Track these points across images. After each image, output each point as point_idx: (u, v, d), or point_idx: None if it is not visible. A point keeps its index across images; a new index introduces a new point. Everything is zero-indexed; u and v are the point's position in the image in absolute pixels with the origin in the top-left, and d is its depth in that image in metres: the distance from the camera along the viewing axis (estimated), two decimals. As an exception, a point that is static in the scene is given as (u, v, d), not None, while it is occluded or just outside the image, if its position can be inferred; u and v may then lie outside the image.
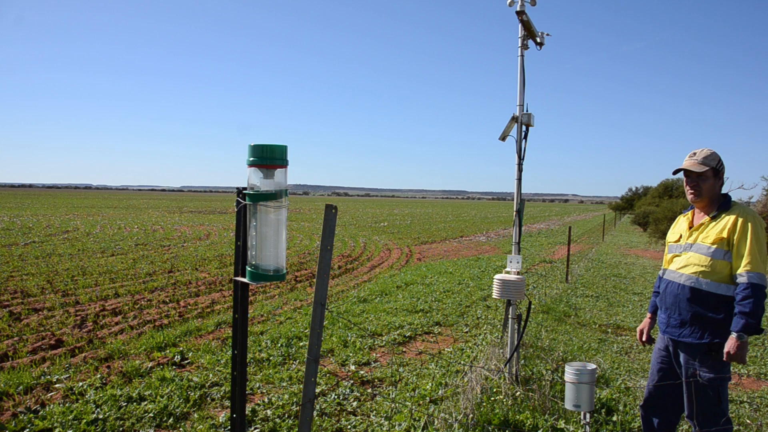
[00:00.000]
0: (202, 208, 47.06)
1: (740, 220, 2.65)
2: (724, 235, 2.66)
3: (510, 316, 4.32)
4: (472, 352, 5.41)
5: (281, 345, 5.47)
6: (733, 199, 2.84)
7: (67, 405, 3.80)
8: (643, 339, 3.13)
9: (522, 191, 4.38)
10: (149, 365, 4.78)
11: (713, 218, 2.76)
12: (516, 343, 4.22)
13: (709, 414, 2.65)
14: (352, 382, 4.52)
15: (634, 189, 49.28)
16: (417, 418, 3.67)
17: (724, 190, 2.84)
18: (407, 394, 4.20)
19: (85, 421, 3.55)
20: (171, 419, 3.69)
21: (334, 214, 2.00)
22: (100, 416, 3.64)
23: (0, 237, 15.86)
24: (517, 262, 4.24)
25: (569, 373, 3.16)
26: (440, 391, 4.19)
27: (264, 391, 4.27)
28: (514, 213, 4.34)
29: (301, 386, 3.19)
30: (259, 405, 3.92)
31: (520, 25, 4.32)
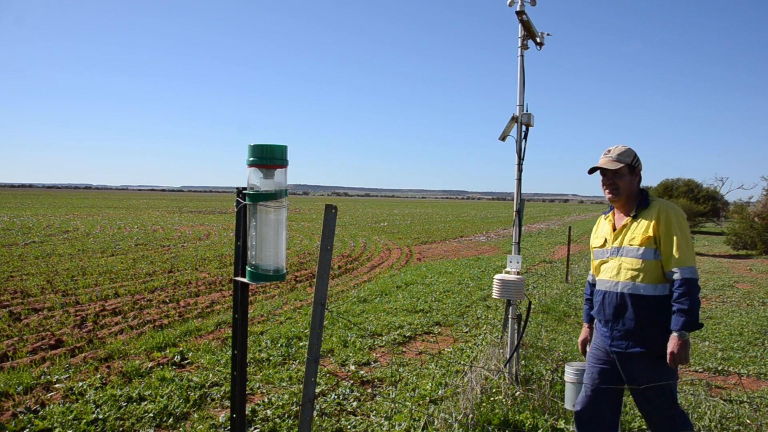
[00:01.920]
0: (202, 208, 47.07)
1: (662, 215, 2.58)
2: (650, 233, 2.58)
3: (510, 316, 4.32)
4: (472, 352, 5.41)
5: (281, 345, 5.47)
6: (650, 195, 2.76)
7: (67, 405, 3.80)
8: (587, 350, 2.98)
9: (522, 191, 4.38)
10: (149, 365, 4.78)
11: (634, 218, 2.68)
12: (516, 343, 4.22)
13: (669, 416, 2.58)
14: (352, 382, 4.52)
15: (634, 189, 49.10)
16: (417, 418, 3.67)
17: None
18: (407, 394, 4.20)
19: (85, 421, 3.55)
20: (171, 419, 3.69)
21: (334, 214, 2.00)
22: (100, 416, 3.64)
23: (0, 237, 15.86)
24: (517, 262, 4.24)
25: (569, 373, 3.17)
26: (440, 391, 4.19)
27: (264, 391, 4.27)
28: (514, 213, 4.34)
29: (301, 386, 3.19)
30: (259, 405, 3.92)
31: (520, 25, 4.32)
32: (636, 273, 2.60)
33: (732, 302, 8.99)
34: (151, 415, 3.72)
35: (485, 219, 40.17)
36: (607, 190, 2.75)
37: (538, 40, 4.53)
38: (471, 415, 3.56)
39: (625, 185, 2.70)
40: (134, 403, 3.90)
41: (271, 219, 1.91)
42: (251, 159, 1.88)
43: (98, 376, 4.47)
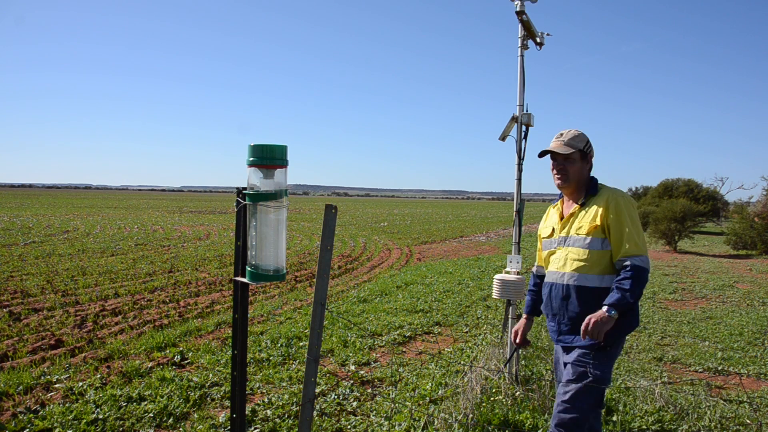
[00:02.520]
0: (202, 208, 47.06)
1: (611, 203, 2.47)
2: (598, 222, 2.46)
3: (510, 316, 4.32)
4: (472, 352, 5.41)
5: (281, 345, 5.47)
6: (600, 182, 2.65)
7: (67, 405, 3.80)
8: (517, 341, 2.88)
9: (522, 191, 4.38)
10: (149, 365, 4.78)
11: (582, 206, 2.56)
12: (516, 343, 4.22)
13: (585, 416, 2.39)
14: (352, 382, 4.52)
15: (634, 189, 49.30)
16: (417, 418, 3.67)
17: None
18: (407, 394, 4.20)
19: (85, 421, 3.55)
20: (171, 419, 3.69)
21: (334, 214, 2.00)
22: (100, 416, 3.64)
23: (0, 237, 15.86)
24: (517, 262, 4.24)
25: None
26: (440, 391, 4.19)
27: (264, 391, 4.27)
28: (514, 213, 4.34)
29: (301, 386, 3.19)
30: (259, 405, 3.92)
31: (520, 25, 4.32)
32: (582, 263, 2.48)
33: (732, 302, 8.99)
34: (151, 415, 3.72)
35: (485, 219, 40.17)
36: (556, 176, 2.63)
37: (538, 40, 4.53)
38: (471, 415, 3.56)
39: (575, 171, 2.58)
40: (134, 403, 3.90)
41: (271, 219, 1.91)
42: (251, 159, 1.88)
43: (98, 376, 4.47)
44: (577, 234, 2.52)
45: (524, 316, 2.90)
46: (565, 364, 2.54)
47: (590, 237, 2.47)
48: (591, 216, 2.50)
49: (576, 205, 2.59)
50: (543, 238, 2.77)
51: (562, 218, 2.65)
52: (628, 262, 2.37)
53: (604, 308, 2.33)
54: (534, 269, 2.91)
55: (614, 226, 2.43)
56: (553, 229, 2.68)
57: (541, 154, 2.66)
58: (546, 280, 2.70)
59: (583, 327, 2.33)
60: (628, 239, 2.40)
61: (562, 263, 2.56)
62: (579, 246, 2.50)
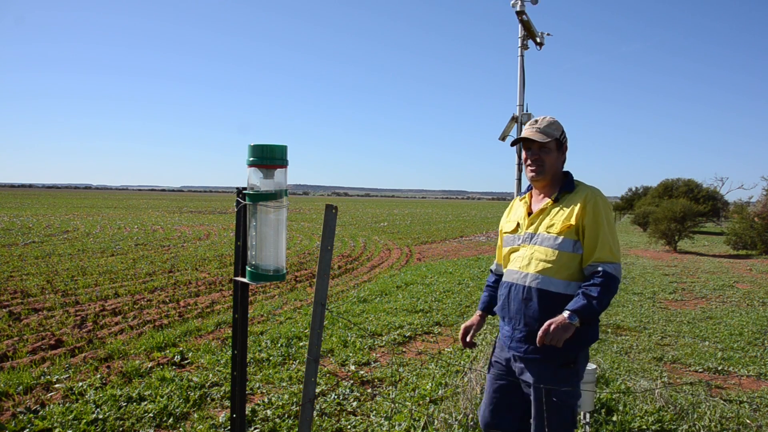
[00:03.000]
0: (202, 208, 47.06)
1: (590, 203, 2.22)
2: (573, 221, 2.21)
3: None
4: (472, 352, 5.41)
5: (281, 345, 5.47)
6: (575, 177, 2.41)
7: (66, 405, 3.80)
8: (467, 339, 2.53)
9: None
10: (149, 365, 4.78)
11: (556, 202, 2.30)
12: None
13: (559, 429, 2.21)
14: (352, 382, 4.52)
15: (633, 189, 49.29)
16: (417, 418, 3.67)
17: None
18: (407, 394, 4.20)
19: (84, 421, 3.55)
20: (171, 419, 3.69)
21: (335, 215, 2.00)
22: (100, 416, 3.64)
23: (0, 237, 15.86)
24: (517, 262, 4.24)
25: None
26: (440, 391, 4.19)
27: (264, 391, 4.27)
28: (514, 213, 4.34)
29: (301, 386, 3.19)
30: (259, 405, 3.92)
31: (520, 25, 4.32)
32: (549, 265, 2.22)
33: (732, 302, 8.99)
34: (151, 415, 3.72)
35: (485, 219, 40.16)
36: (530, 167, 2.36)
37: (538, 40, 4.54)
38: (471, 415, 3.56)
39: (551, 162, 2.32)
40: (134, 403, 3.90)
41: (271, 219, 1.91)
42: (251, 159, 1.88)
43: (98, 376, 4.47)
44: (548, 232, 2.25)
45: (478, 312, 2.59)
46: (528, 385, 2.28)
47: (562, 237, 2.21)
48: (566, 214, 2.24)
49: (548, 200, 2.33)
50: (505, 233, 2.49)
51: (530, 213, 2.38)
52: (600, 268, 2.15)
53: (566, 314, 2.09)
54: (493, 267, 2.66)
55: (590, 228, 2.20)
56: (518, 225, 2.41)
57: (515, 142, 2.46)
58: (504, 279, 2.40)
59: (541, 332, 2.09)
60: (603, 244, 2.17)
61: (526, 263, 2.28)
62: (548, 245, 2.24)
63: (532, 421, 2.25)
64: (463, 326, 2.55)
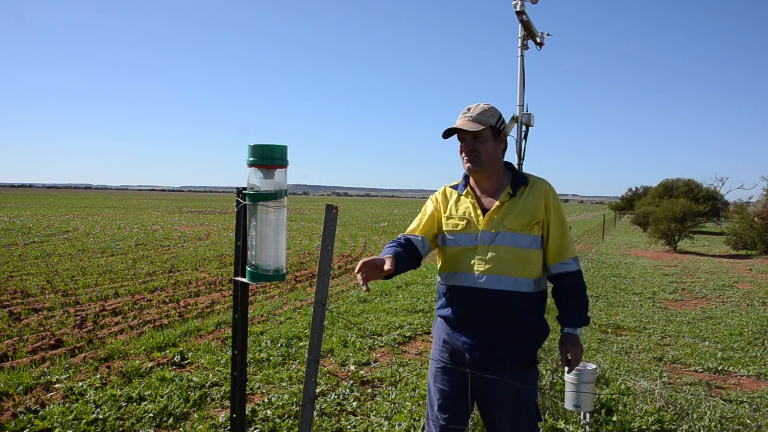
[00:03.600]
0: (202, 208, 47.05)
1: (551, 198, 2.14)
2: (539, 217, 2.10)
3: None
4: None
5: (281, 345, 5.47)
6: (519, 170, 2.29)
7: (66, 405, 3.80)
8: (366, 275, 1.94)
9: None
10: (149, 365, 4.78)
11: (513, 197, 2.14)
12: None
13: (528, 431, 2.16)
14: (352, 382, 4.52)
15: (633, 189, 49.32)
16: (417, 418, 3.67)
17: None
18: (407, 394, 4.20)
19: (84, 421, 3.55)
20: (171, 419, 3.69)
21: (335, 215, 2.00)
22: (100, 416, 3.64)
23: (0, 237, 15.86)
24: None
25: (569, 373, 3.16)
26: (440, 391, 4.19)
27: (264, 391, 4.27)
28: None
29: (301, 386, 3.19)
30: (259, 405, 3.92)
31: (520, 25, 4.32)
32: (518, 265, 2.09)
33: (732, 302, 9.00)
34: (151, 415, 3.72)
35: (485, 219, 40.17)
36: (465, 158, 2.16)
37: (538, 40, 4.53)
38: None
39: (488, 152, 2.13)
40: (134, 403, 3.90)
41: (271, 219, 1.91)
42: (251, 159, 1.88)
43: (98, 376, 4.47)
44: (512, 230, 2.09)
45: (389, 256, 2.01)
46: (489, 393, 2.13)
47: (529, 235, 2.10)
48: (530, 210, 2.12)
49: (503, 195, 2.16)
50: (451, 231, 2.21)
51: (482, 209, 2.18)
52: (573, 266, 2.14)
53: (576, 331, 2.10)
54: (405, 236, 2.27)
55: (555, 225, 2.12)
56: (469, 222, 2.18)
57: (446, 134, 2.18)
58: (461, 284, 2.15)
59: (568, 366, 2.10)
60: (567, 239, 2.14)
61: (491, 265, 2.08)
62: (514, 245, 2.09)
63: (503, 424, 2.13)
64: (365, 261, 1.95)
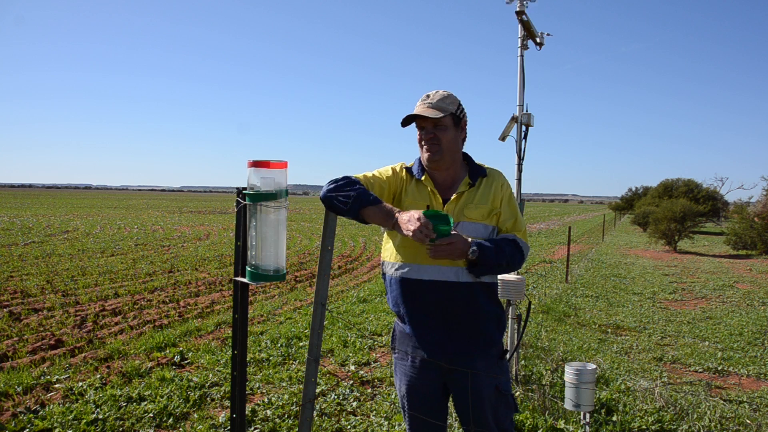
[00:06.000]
0: (202, 208, 47.06)
1: (505, 188, 2.11)
2: (496, 205, 2.06)
3: (510, 317, 4.32)
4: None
5: (281, 345, 5.47)
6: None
7: (66, 405, 3.80)
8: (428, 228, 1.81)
9: (522, 191, 4.38)
10: (149, 365, 4.78)
11: (473, 187, 2.08)
12: (516, 343, 4.22)
13: (508, 422, 2.13)
14: (352, 382, 4.52)
15: (633, 189, 49.33)
16: (417, 418, 3.67)
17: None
18: (407, 394, 4.19)
19: (84, 421, 3.55)
20: (171, 419, 3.69)
21: (335, 215, 2.00)
22: (100, 416, 3.64)
23: (0, 237, 15.86)
24: (517, 262, 4.24)
25: (569, 373, 3.16)
26: (440, 391, 4.19)
27: (264, 391, 4.27)
28: (514, 213, 4.33)
29: (301, 386, 3.19)
30: (258, 405, 3.92)
31: (519, 25, 4.32)
32: None
33: (732, 302, 9.00)
34: (151, 415, 3.72)
35: (485, 219, 40.18)
36: (425, 147, 2.06)
37: (538, 40, 4.53)
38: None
39: (448, 141, 2.04)
40: (134, 403, 3.90)
41: (271, 219, 1.90)
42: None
43: (98, 376, 4.46)
44: (473, 221, 2.03)
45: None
46: (466, 387, 2.05)
47: (490, 225, 2.05)
48: (489, 199, 2.06)
49: (462, 185, 2.09)
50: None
51: (443, 198, 2.08)
52: (512, 237, 2.03)
53: (473, 245, 1.87)
54: (389, 268, 2.15)
55: (506, 212, 2.08)
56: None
57: (405, 121, 2.07)
58: (416, 276, 2.03)
59: (434, 248, 1.83)
60: (520, 225, 2.10)
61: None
62: (477, 235, 2.01)
63: (488, 415, 2.07)
64: (422, 215, 1.81)
